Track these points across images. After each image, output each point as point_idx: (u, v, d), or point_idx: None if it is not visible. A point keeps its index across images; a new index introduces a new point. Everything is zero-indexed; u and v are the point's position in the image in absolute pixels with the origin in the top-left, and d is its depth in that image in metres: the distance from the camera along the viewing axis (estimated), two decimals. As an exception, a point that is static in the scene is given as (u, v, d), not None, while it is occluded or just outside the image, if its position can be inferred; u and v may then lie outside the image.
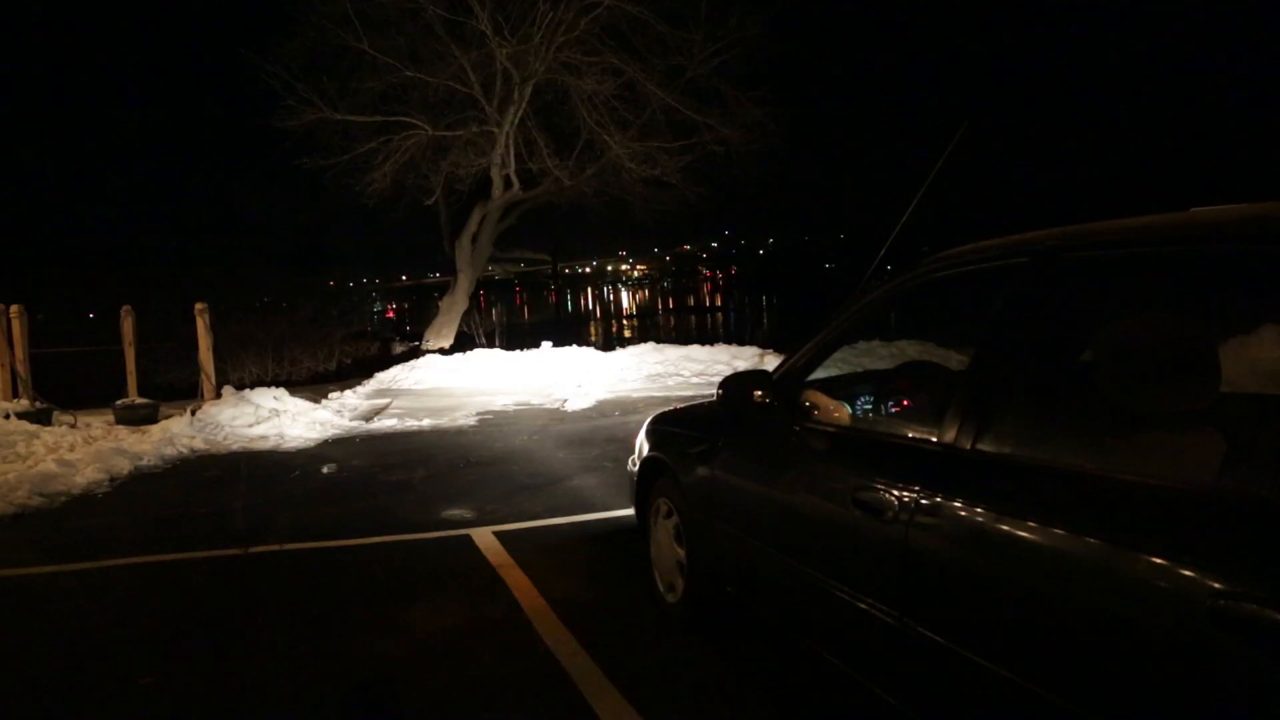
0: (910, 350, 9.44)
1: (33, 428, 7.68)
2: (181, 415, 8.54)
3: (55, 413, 8.94)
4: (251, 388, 9.24)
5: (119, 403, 9.20)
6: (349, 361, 17.20)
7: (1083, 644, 1.47)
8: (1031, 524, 1.61)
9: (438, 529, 4.83)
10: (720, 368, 10.83)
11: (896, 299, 2.52)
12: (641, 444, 3.66)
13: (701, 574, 3.09)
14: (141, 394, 9.84)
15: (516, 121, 13.40)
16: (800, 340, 2.77)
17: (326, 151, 13.47)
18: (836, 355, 2.72)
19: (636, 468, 3.69)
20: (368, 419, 8.94)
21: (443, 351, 14.63)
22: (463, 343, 15.80)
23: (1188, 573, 1.32)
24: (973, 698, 1.73)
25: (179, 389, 12.58)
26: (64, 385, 10.30)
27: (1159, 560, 1.36)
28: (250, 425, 8.20)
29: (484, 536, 4.59)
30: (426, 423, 8.61)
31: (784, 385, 2.67)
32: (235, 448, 7.66)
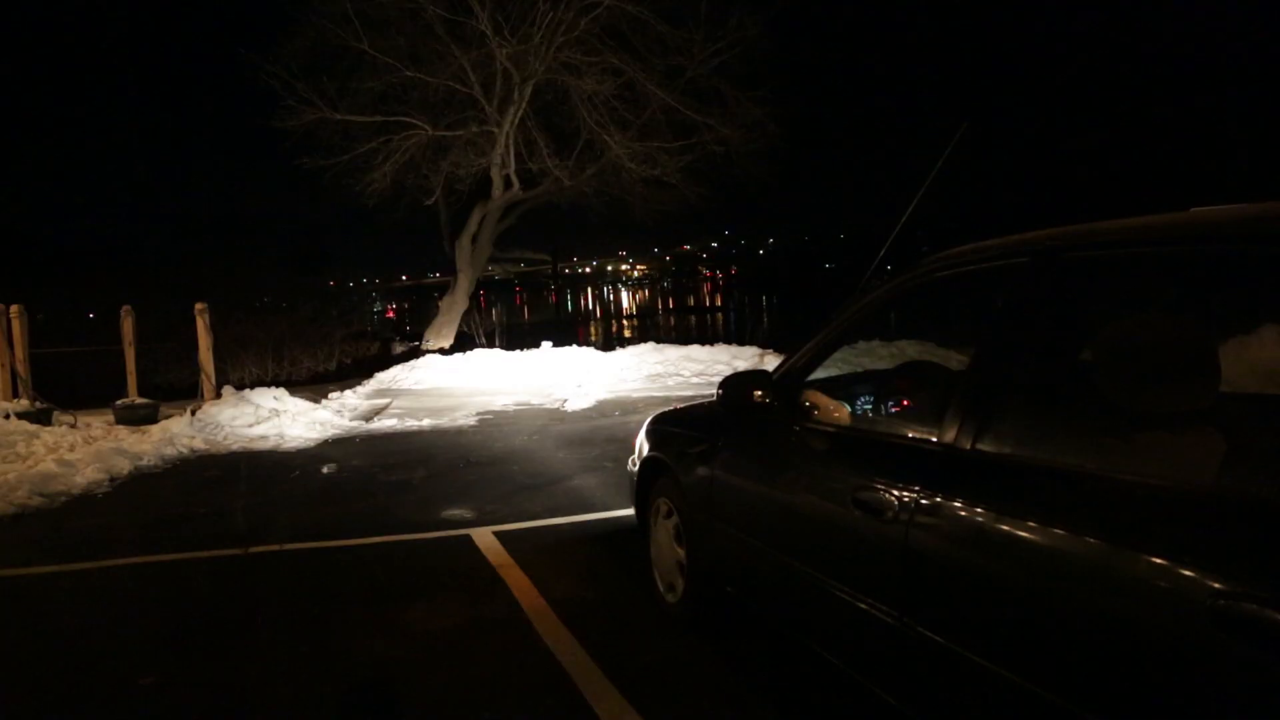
0: (910, 350, 9.44)
1: (33, 428, 7.68)
2: (181, 415, 8.54)
3: (55, 413, 8.93)
4: (251, 388, 9.24)
5: (119, 403, 9.21)
6: (349, 361, 17.21)
7: (1083, 644, 1.47)
8: (1031, 524, 1.61)
9: (438, 529, 4.83)
10: (720, 368, 10.83)
11: (896, 299, 2.52)
12: (641, 444, 3.66)
13: (701, 574, 3.09)
14: (141, 394, 9.84)
15: (516, 121, 13.40)
16: (800, 340, 2.77)
17: (326, 151, 13.48)
18: (836, 355, 2.72)
19: (636, 468, 3.69)
20: (368, 419, 8.94)
21: (443, 351, 14.63)
22: (463, 343, 15.80)
23: (1188, 573, 1.32)
24: (973, 698, 1.73)
25: (179, 389, 12.59)
26: (64, 385, 10.30)
27: (1159, 560, 1.36)
28: (250, 425, 8.20)
29: (484, 536, 4.59)
30: (426, 423, 8.61)
31: (784, 385, 2.67)
32: (235, 448, 7.66)
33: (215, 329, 10.72)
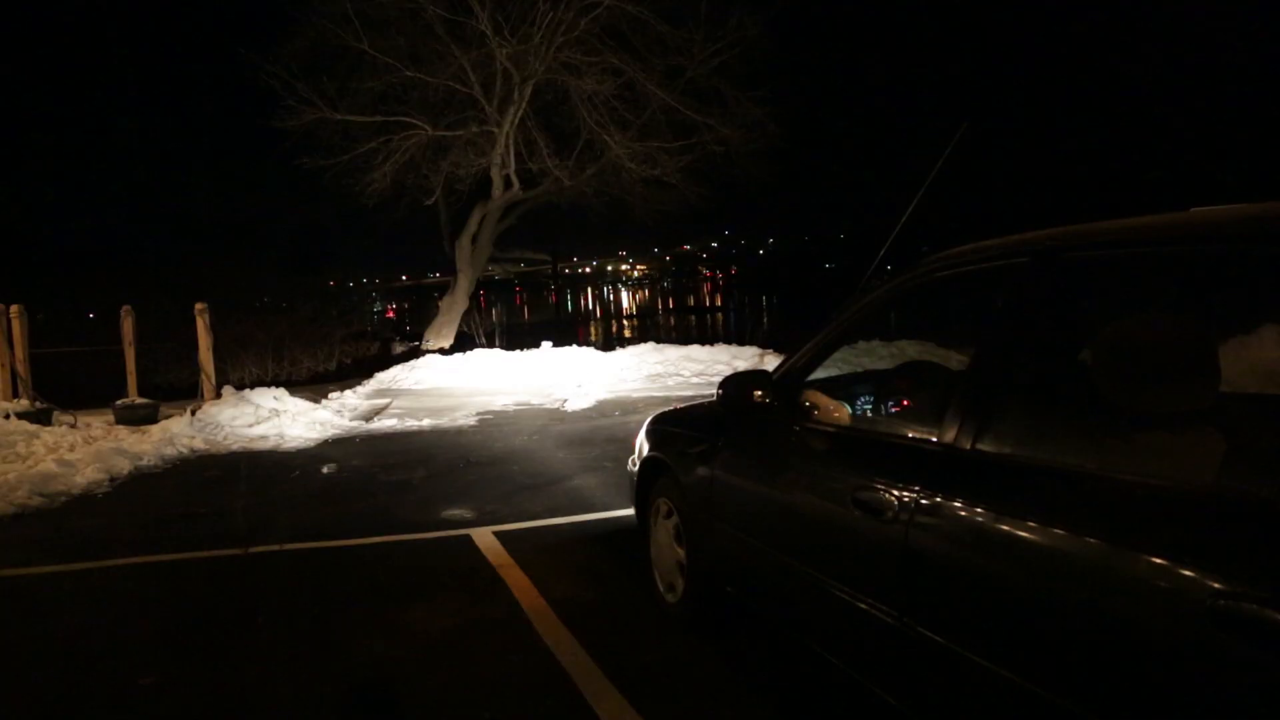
0: (910, 350, 9.44)
1: (33, 428, 7.68)
2: (181, 415, 8.54)
3: (55, 413, 8.93)
4: (251, 388, 9.24)
5: (119, 403, 9.21)
6: (349, 361, 17.22)
7: (1083, 644, 1.47)
8: (1031, 524, 1.61)
9: (438, 529, 4.83)
10: (720, 368, 10.83)
11: (896, 299, 2.52)
12: (641, 444, 3.66)
13: (701, 574, 3.09)
14: (141, 394, 9.84)
15: (516, 121, 13.41)
16: (800, 340, 2.77)
17: (326, 151, 13.49)
18: (836, 355, 2.72)
19: (636, 468, 3.69)
20: (368, 419, 8.94)
21: (443, 351, 14.63)
22: (463, 343, 15.80)
23: (1188, 573, 1.32)
24: (973, 698, 1.73)
25: (179, 389, 12.59)
26: (64, 385, 10.29)
27: (1159, 560, 1.36)
28: (250, 425, 8.20)
29: (484, 536, 4.59)
30: (426, 423, 8.61)
31: (784, 385, 2.67)
32: (235, 448, 7.66)
33: (215, 329, 10.72)
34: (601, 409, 9.00)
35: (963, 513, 1.78)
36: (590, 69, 13.17)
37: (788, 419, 2.61)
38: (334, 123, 13.43)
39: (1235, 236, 1.55)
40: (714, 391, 2.87)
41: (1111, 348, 1.70)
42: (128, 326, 9.96)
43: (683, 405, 3.88)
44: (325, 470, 6.54)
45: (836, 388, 2.90)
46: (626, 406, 9.06)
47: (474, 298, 17.98)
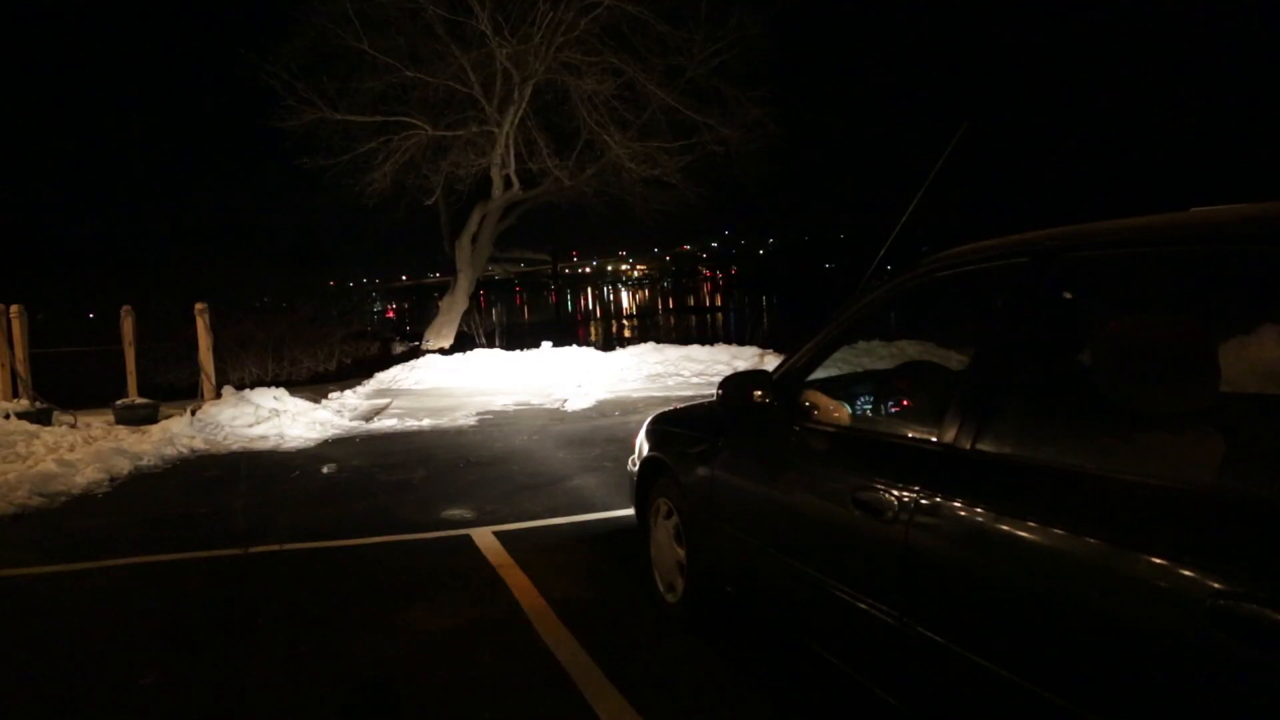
0: (910, 350, 9.45)
1: (33, 428, 7.68)
2: (181, 415, 8.54)
3: (55, 413, 8.94)
4: (251, 388, 9.24)
5: (119, 403, 9.21)
6: (349, 361, 17.22)
7: (1083, 644, 1.47)
8: (1031, 524, 1.61)
9: (438, 529, 4.83)
10: (720, 368, 10.84)
11: (896, 299, 2.52)
12: (641, 444, 3.66)
13: (701, 574, 3.09)
14: (141, 394, 9.84)
15: (516, 121, 13.41)
16: (800, 340, 2.77)
17: (326, 151, 13.51)
18: (836, 355, 2.72)
19: (636, 468, 3.69)
20: (368, 419, 8.94)
21: (443, 351, 14.63)
22: (463, 343, 15.81)
23: (1188, 573, 1.32)
24: (973, 697, 1.73)
25: (179, 389, 12.59)
26: (64, 385, 10.30)
27: (1159, 560, 1.36)
28: (250, 425, 8.20)
29: (484, 536, 4.59)
30: (426, 423, 8.61)
31: (784, 385, 2.67)
32: (235, 448, 7.66)
33: (215, 329, 10.72)
34: (601, 409, 9.00)
35: (963, 513, 1.78)
36: (590, 69, 13.17)
37: (788, 419, 2.61)
38: (334, 123, 13.43)
39: (1235, 236, 1.55)
40: (714, 391, 2.87)
41: (1111, 348, 1.70)
42: (128, 326, 9.96)
43: (683, 405, 3.88)
44: (325, 470, 6.54)
45: (836, 388, 2.90)
46: (626, 406, 9.06)
47: (474, 298, 17.99)
